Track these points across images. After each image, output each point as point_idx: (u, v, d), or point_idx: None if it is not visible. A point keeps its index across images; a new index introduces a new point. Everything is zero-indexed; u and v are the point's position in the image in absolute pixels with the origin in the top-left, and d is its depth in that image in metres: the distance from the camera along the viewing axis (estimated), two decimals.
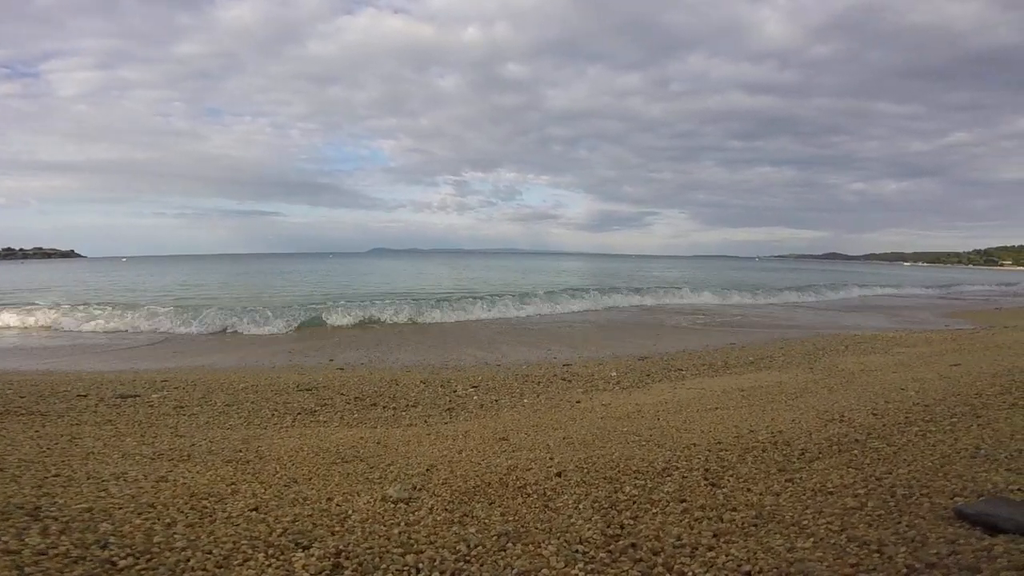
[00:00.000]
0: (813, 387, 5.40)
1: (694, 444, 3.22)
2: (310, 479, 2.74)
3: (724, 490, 2.46)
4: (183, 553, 1.81)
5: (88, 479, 2.44)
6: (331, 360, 8.62)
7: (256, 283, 29.50)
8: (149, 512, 2.09)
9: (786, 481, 2.55)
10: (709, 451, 3.05)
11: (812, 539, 1.96)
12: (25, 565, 1.65)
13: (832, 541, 1.94)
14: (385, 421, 4.83)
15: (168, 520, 2.03)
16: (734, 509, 2.25)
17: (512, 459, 3.15)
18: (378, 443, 3.67)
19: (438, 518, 2.28)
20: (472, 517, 2.30)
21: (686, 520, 2.18)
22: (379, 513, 2.29)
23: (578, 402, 5.53)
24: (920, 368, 6.25)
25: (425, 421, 4.85)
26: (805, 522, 2.11)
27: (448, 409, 5.37)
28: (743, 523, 2.11)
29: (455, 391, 6.23)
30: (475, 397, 5.92)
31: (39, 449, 3.05)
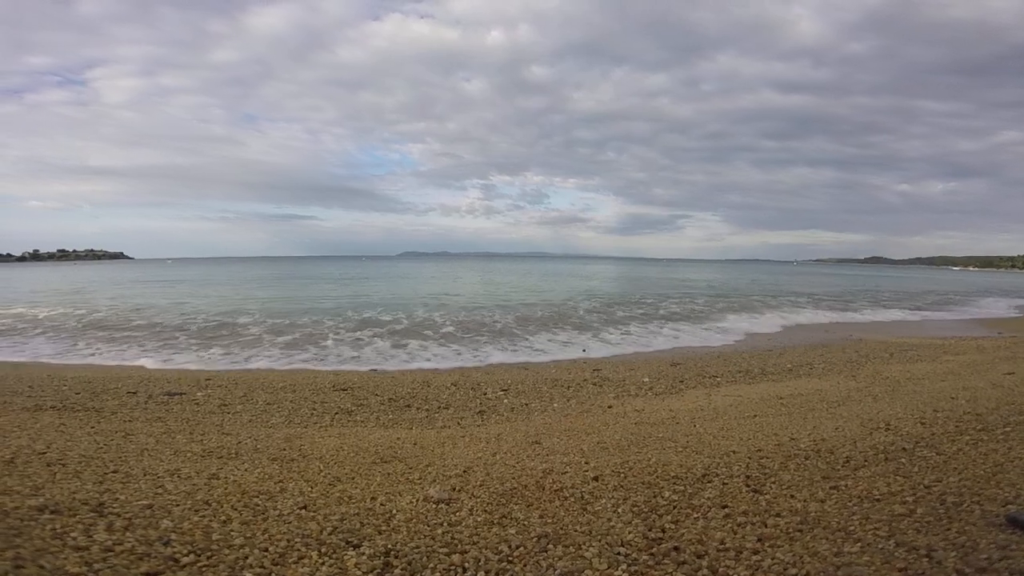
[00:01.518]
0: (856, 395, 5.32)
1: (733, 451, 3.24)
2: (353, 478, 2.87)
3: (767, 496, 2.49)
4: (241, 550, 1.91)
5: (145, 475, 2.61)
6: (361, 360, 8.84)
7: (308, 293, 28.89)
8: (205, 509, 2.22)
9: (831, 488, 2.57)
10: (749, 458, 3.07)
11: (859, 544, 1.99)
12: (94, 561, 1.74)
13: (880, 546, 1.97)
14: (419, 422, 4.96)
15: (224, 517, 2.16)
16: (778, 515, 2.28)
17: (547, 463, 3.22)
18: (414, 444, 3.79)
19: (479, 519, 2.37)
20: (511, 519, 2.38)
21: (729, 525, 2.22)
22: (422, 513, 2.39)
23: (610, 407, 5.56)
24: (971, 377, 6.09)
25: (458, 423, 4.97)
26: (852, 528, 2.13)
27: (479, 412, 5.48)
28: (788, 528, 2.15)
29: (485, 394, 6.35)
30: (505, 400, 6.02)
31: (97, 445, 3.25)
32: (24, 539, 1.81)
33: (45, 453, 2.87)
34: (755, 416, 4.49)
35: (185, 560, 1.82)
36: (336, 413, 5.22)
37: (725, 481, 2.72)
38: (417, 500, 2.55)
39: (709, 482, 2.72)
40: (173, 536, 1.96)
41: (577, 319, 14.93)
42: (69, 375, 7.04)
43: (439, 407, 5.64)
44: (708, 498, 2.51)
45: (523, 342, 11.00)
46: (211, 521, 2.12)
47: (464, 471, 3.07)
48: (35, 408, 4.80)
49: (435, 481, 2.88)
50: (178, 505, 2.24)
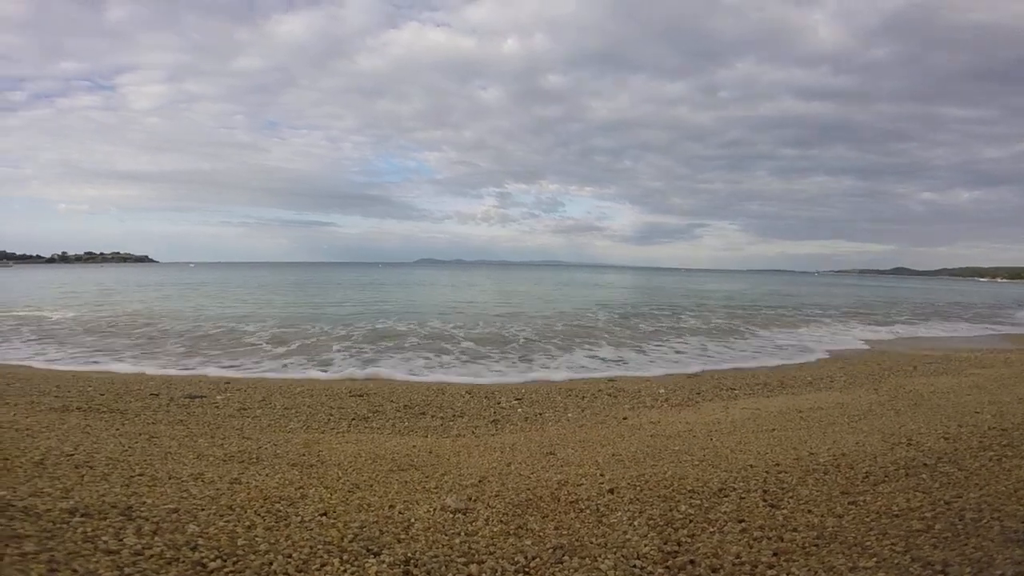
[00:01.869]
0: (878, 409, 5.26)
1: (751, 465, 3.25)
2: (371, 486, 2.93)
3: (784, 511, 2.50)
4: (266, 556, 1.97)
5: (170, 479, 2.70)
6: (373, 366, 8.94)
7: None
8: (229, 514, 2.30)
9: (849, 503, 2.57)
10: (767, 473, 3.07)
11: (875, 559, 2.01)
12: (124, 565, 1.80)
13: (895, 561, 1.98)
14: (434, 430, 5.03)
15: (248, 523, 2.23)
16: (794, 530, 2.29)
17: (562, 474, 3.25)
18: (430, 452, 3.85)
19: (495, 529, 2.41)
20: (527, 530, 2.42)
21: (745, 539, 2.24)
22: (439, 522, 2.44)
23: (625, 418, 5.56)
24: (997, 391, 5.98)
25: (472, 432, 5.02)
26: (868, 543, 2.15)
27: (493, 421, 5.52)
28: (804, 543, 2.16)
29: (499, 403, 6.39)
30: (519, 410, 6.05)
31: (122, 448, 3.36)
32: (57, 542, 1.88)
33: (73, 455, 2.98)
34: (773, 430, 4.47)
35: (212, 565, 1.87)
36: (353, 419, 5.31)
37: (742, 495, 2.73)
38: (434, 509, 2.60)
39: (726, 496, 2.74)
40: (200, 541, 2.02)
41: (625, 333, 13.88)
42: (94, 376, 7.31)
43: (453, 415, 5.70)
44: (724, 512, 2.53)
45: (552, 359, 10.20)
46: (236, 526, 2.18)
47: (479, 481, 3.11)
48: (62, 409, 4.97)
49: (451, 490, 2.92)
50: (203, 510, 2.31)
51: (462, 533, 2.34)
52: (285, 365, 9.05)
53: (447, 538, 2.28)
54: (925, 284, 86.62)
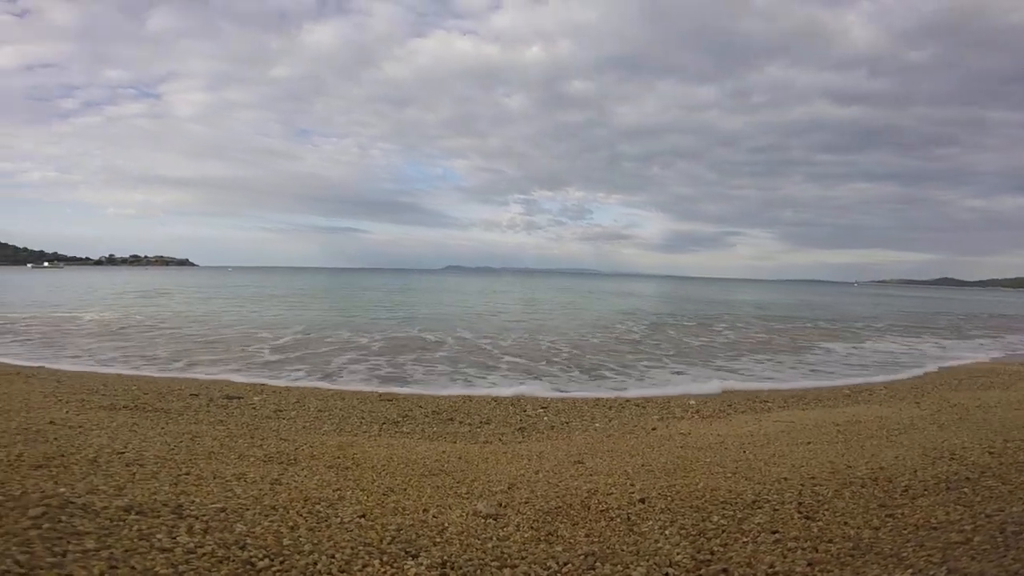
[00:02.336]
0: (920, 423, 5.15)
1: (785, 478, 3.24)
2: (405, 490, 3.03)
3: (819, 523, 2.51)
4: (310, 556, 2.06)
5: (214, 478, 2.84)
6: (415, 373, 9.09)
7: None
8: (273, 515, 2.40)
9: (886, 516, 2.57)
10: (802, 485, 3.07)
11: (910, 570, 2.02)
12: (179, 563, 1.89)
13: (931, 572, 1.99)
14: (463, 436, 5.13)
15: (291, 523, 2.33)
16: (830, 541, 2.31)
17: (591, 483, 3.29)
18: (459, 458, 3.94)
19: (526, 535, 2.47)
20: (558, 536, 2.48)
21: (779, 549, 2.26)
22: (472, 527, 2.51)
23: (654, 429, 5.56)
24: None
25: (500, 439, 5.09)
26: (905, 554, 2.15)
27: (520, 428, 5.59)
28: (839, 554, 2.18)
29: (525, 411, 6.47)
30: (545, 418, 6.11)
31: (168, 446, 3.54)
32: (114, 539, 1.99)
33: (123, 453, 3.15)
34: (809, 443, 4.42)
35: (261, 564, 1.95)
36: (383, 423, 5.46)
37: (776, 507, 2.74)
38: (466, 514, 2.67)
39: (759, 508, 2.74)
40: (248, 540, 2.11)
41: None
42: (137, 376, 7.76)
43: (480, 422, 5.79)
44: (758, 523, 2.54)
45: (603, 378, 9.33)
46: (280, 526, 2.28)
47: (509, 487, 3.17)
48: (110, 407, 5.26)
49: (481, 496, 3.00)
50: (248, 509, 2.42)
51: (494, 538, 2.41)
52: (315, 378, 9.20)
53: (480, 542, 2.35)
54: (977, 296, 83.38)
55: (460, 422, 5.74)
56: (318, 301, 28.69)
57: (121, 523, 2.12)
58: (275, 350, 11.48)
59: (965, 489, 2.90)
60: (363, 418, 5.62)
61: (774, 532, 2.43)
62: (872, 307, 35.75)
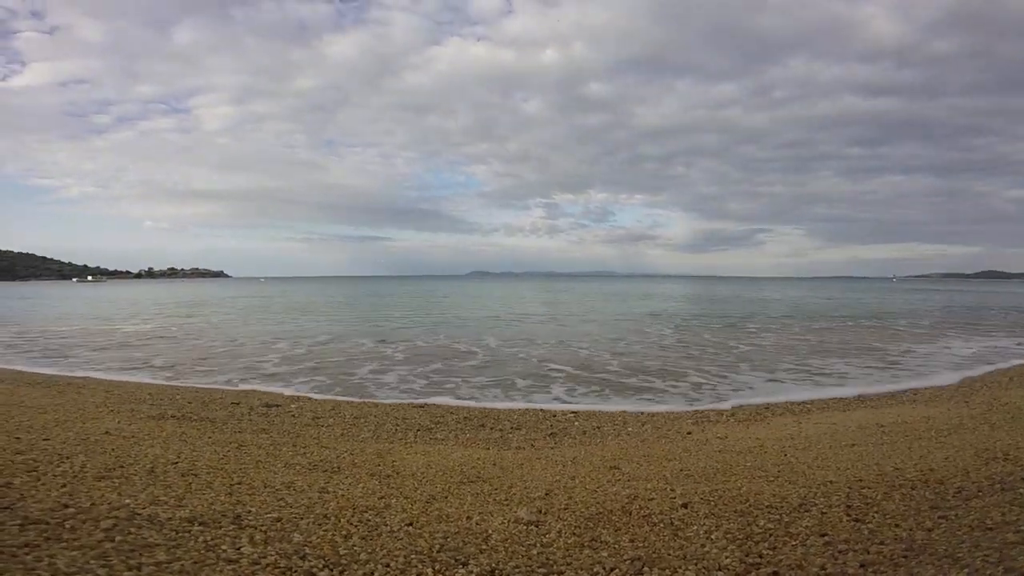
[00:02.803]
0: (970, 423, 5.02)
1: (830, 481, 3.22)
2: (446, 497, 3.11)
3: (869, 525, 2.50)
4: (367, 565, 2.12)
5: (265, 488, 2.96)
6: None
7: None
8: (327, 523, 2.49)
9: (939, 518, 2.54)
10: (849, 488, 3.05)
11: (966, 570, 2.02)
12: (245, 574, 1.94)
13: (988, 572, 1.99)
14: (495, 443, 5.20)
15: (344, 532, 2.41)
16: (881, 543, 2.30)
17: (629, 488, 3.31)
18: (494, 465, 4.00)
19: (569, 541, 2.51)
20: (601, 542, 2.51)
21: (829, 552, 2.26)
22: (514, 534, 2.56)
23: (689, 433, 5.54)
24: None
25: (532, 445, 5.14)
26: (960, 555, 2.14)
27: (551, 434, 5.63)
28: (892, 555, 2.18)
29: (555, 416, 6.51)
30: (576, 423, 6.14)
31: (217, 456, 3.68)
32: (183, 551, 2.06)
33: (177, 463, 3.29)
34: (853, 445, 4.36)
35: (321, 574, 2.00)
36: (417, 430, 5.58)
37: (823, 511, 2.73)
38: (508, 521, 2.72)
39: (806, 511, 2.74)
40: (307, 550, 2.17)
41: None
42: (180, 386, 8.09)
43: (511, 428, 5.85)
44: (806, 527, 2.54)
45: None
46: (335, 535, 2.35)
47: (546, 493, 3.22)
48: (159, 417, 5.48)
49: (521, 503, 3.04)
50: (303, 518, 2.50)
51: (538, 545, 2.44)
52: (348, 395, 9.31)
53: (524, 549, 2.39)
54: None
55: (491, 428, 5.81)
56: (346, 310, 29.53)
57: (187, 534, 2.20)
58: (305, 359, 11.78)
59: (1021, 490, 2.85)
60: (397, 425, 5.75)
61: (823, 535, 2.43)
62: (914, 303, 34.66)
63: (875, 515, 2.64)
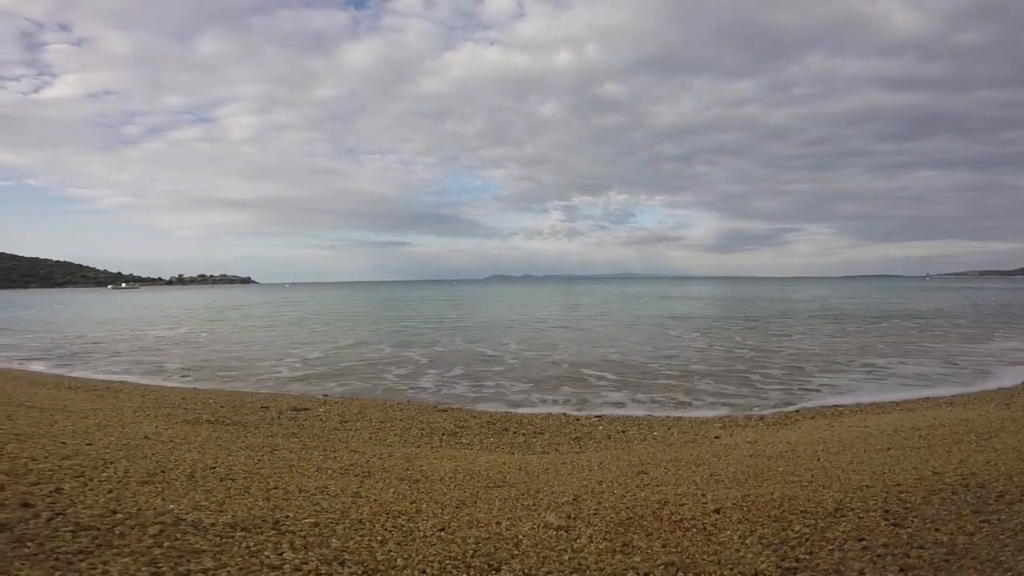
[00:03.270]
0: (1012, 426, 4.89)
1: (867, 486, 3.18)
2: (475, 502, 3.14)
3: (908, 530, 2.47)
4: (404, 571, 2.14)
5: (300, 492, 3.03)
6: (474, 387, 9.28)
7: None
8: (362, 528, 2.53)
9: (981, 522, 2.51)
10: (887, 492, 3.01)
11: (1009, 573, 2.00)
12: None
13: None
14: (519, 447, 5.24)
15: (380, 537, 2.45)
16: (921, 547, 2.28)
17: (659, 494, 3.31)
18: (520, 469, 4.03)
19: (600, 546, 2.51)
20: (633, 547, 2.51)
21: (868, 556, 2.25)
22: (545, 539, 2.57)
23: (717, 437, 5.50)
24: None
25: (556, 449, 5.16)
26: (1003, 558, 2.12)
27: (575, 438, 5.64)
28: (932, 559, 2.16)
29: (578, 420, 6.52)
30: (600, 427, 6.14)
31: (252, 460, 3.77)
32: (228, 557, 2.10)
33: (215, 468, 3.37)
34: (889, 449, 4.29)
35: None
36: (443, 435, 5.66)
37: (860, 515, 2.70)
38: (537, 526, 2.73)
39: (843, 516, 2.71)
40: (346, 556, 2.21)
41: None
42: (211, 390, 8.36)
43: (534, 432, 5.88)
44: (843, 531, 2.52)
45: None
46: (370, 541, 2.39)
47: (574, 499, 3.22)
48: (194, 421, 5.64)
49: (549, 508, 3.05)
50: (338, 524, 2.55)
51: (569, 550, 2.45)
52: (385, 387, 9.45)
53: (555, 554, 2.40)
54: None
55: (514, 432, 5.84)
56: (371, 314, 30.33)
57: (230, 540, 2.25)
58: (332, 362, 12.03)
59: None
60: (423, 429, 5.83)
61: (861, 540, 2.41)
62: (948, 301, 33.70)
63: (914, 519, 2.61)
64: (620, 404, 7.80)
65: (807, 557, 2.28)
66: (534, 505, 3.11)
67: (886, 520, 2.62)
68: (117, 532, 2.20)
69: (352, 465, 3.90)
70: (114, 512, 2.38)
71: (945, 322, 20.08)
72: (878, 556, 2.24)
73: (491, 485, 3.55)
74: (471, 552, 2.38)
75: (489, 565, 2.27)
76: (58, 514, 2.30)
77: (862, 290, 60.71)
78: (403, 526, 2.62)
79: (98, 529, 2.20)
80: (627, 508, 3.02)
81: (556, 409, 7.35)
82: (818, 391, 8.43)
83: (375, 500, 2.99)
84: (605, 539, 2.60)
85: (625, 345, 14.68)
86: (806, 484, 3.35)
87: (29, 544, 2.01)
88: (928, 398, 7.33)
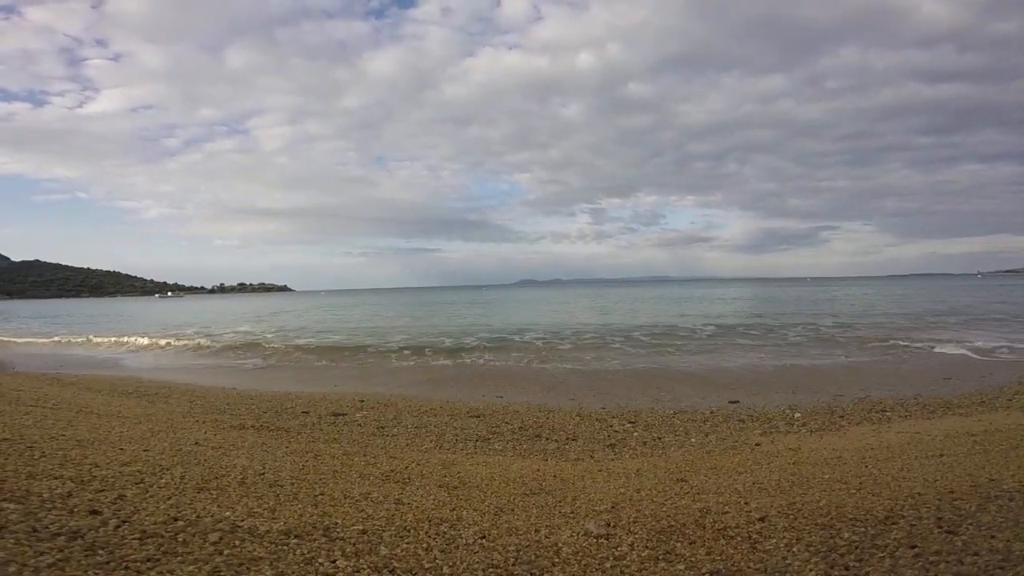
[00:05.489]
0: None
1: (918, 493, 3.11)
2: (512, 510, 3.19)
3: (962, 537, 2.43)
4: None
5: (345, 498, 3.12)
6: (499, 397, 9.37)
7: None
8: (407, 536, 2.59)
9: None
10: (939, 500, 2.94)
11: None
12: None
13: None
14: (552, 454, 5.27)
15: (425, 545, 2.51)
16: (975, 554, 2.25)
17: (700, 502, 3.30)
18: (555, 476, 4.06)
19: (642, 554, 2.52)
20: (676, 555, 2.52)
21: (920, 563, 2.22)
22: (585, 547, 2.59)
23: (758, 444, 5.43)
24: None
25: (591, 456, 5.18)
26: None
27: (610, 445, 5.64)
28: (987, 566, 2.13)
29: (611, 426, 6.51)
30: (635, 434, 6.11)
31: (297, 466, 3.87)
32: (284, 564, 2.17)
33: (264, 474, 3.48)
34: (941, 455, 4.17)
35: None
36: (476, 440, 5.75)
37: (912, 523, 2.65)
38: (577, 534, 2.74)
39: (894, 524, 2.67)
40: (395, 563, 2.26)
41: None
42: (253, 394, 8.62)
43: (567, 438, 5.90)
44: (894, 539, 2.48)
45: None
46: (416, 548, 2.45)
47: (612, 506, 3.23)
48: (239, 427, 5.81)
49: (587, 515, 3.06)
50: (385, 531, 2.61)
51: (610, 558, 2.46)
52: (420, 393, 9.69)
53: (597, 562, 2.41)
54: None
55: (547, 438, 5.88)
56: (409, 319, 31.30)
57: (285, 547, 2.31)
58: (368, 366, 12.34)
59: None
60: (457, 435, 5.93)
61: (913, 547, 2.37)
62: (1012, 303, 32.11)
63: (969, 527, 2.55)
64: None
65: (857, 564, 2.26)
66: (572, 513, 3.14)
67: (939, 527, 2.57)
68: (180, 539, 2.27)
69: (392, 471, 3.99)
70: (175, 519, 2.47)
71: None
72: (931, 563, 2.21)
73: (527, 492, 3.58)
74: (512, 560, 2.41)
75: (531, 573, 2.30)
76: (124, 521, 2.38)
77: (921, 290, 58.04)
78: (446, 533, 2.67)
79: (162, 536, 2.28)
80: (668, 516, 3.02)
81: (571, 415, 7.33)
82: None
83: (417, 507, 3.07)
84: (647, 547, 2.60)
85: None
86: (854, 491, 3.29)
87: (100, 552, 2.07)
88: (983, 402, 7.05)
